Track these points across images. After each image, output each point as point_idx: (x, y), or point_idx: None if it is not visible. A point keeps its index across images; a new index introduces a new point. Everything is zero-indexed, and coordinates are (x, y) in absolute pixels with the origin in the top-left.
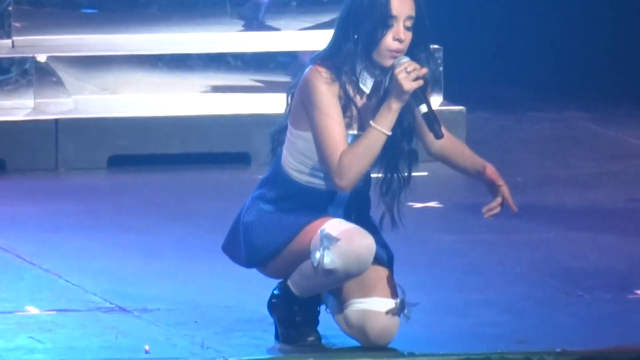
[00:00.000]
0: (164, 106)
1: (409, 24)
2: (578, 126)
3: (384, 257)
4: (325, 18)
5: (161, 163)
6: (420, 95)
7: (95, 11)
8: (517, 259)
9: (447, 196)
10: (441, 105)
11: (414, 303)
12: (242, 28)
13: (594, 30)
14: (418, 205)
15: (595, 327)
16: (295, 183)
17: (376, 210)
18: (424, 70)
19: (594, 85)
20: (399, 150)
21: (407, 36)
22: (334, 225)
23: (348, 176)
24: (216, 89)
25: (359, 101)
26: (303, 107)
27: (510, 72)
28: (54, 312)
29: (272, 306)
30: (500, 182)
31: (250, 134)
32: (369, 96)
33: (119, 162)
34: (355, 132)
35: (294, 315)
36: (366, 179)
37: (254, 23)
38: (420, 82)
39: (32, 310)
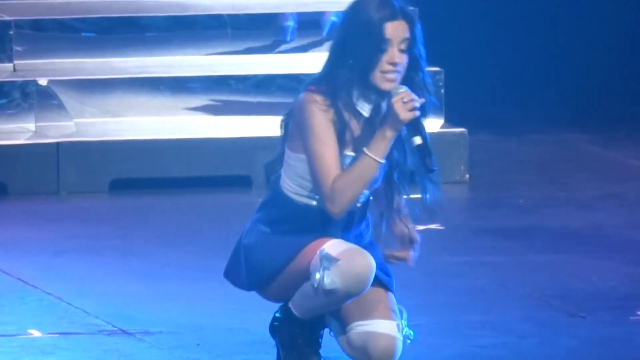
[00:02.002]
0: (166, 129)
1: (403, 46)
2: (579, 148)
3: (384, 278)
4: (326, 40)
5: (163, 186)
6: (416, 126)
7: (96, 35)
8: (519, 281)
9: (449, 218)
10: (442, 127)
11: (415, 324)
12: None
13: (595, 52)
14: (420, 227)
15: (597, 348)
16: (294, 204)
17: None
18: (421, 101)
19: (595, 107)
20: (390, 179)
21: (402, 59)
22: (334, 246)
23: (340, 202)
24: (217, 111)
25: (356, 125)
26: (299, 131)
27: (512, 94)
28: (57, 335)
29: (274, 329)
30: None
31: (251, 157)
32: (368, 120)
33: (121, 185)
34: (352, 153)
35: (296, 337)
36: (364, 200)
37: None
38: (416, 113)
39: (35, 333)
